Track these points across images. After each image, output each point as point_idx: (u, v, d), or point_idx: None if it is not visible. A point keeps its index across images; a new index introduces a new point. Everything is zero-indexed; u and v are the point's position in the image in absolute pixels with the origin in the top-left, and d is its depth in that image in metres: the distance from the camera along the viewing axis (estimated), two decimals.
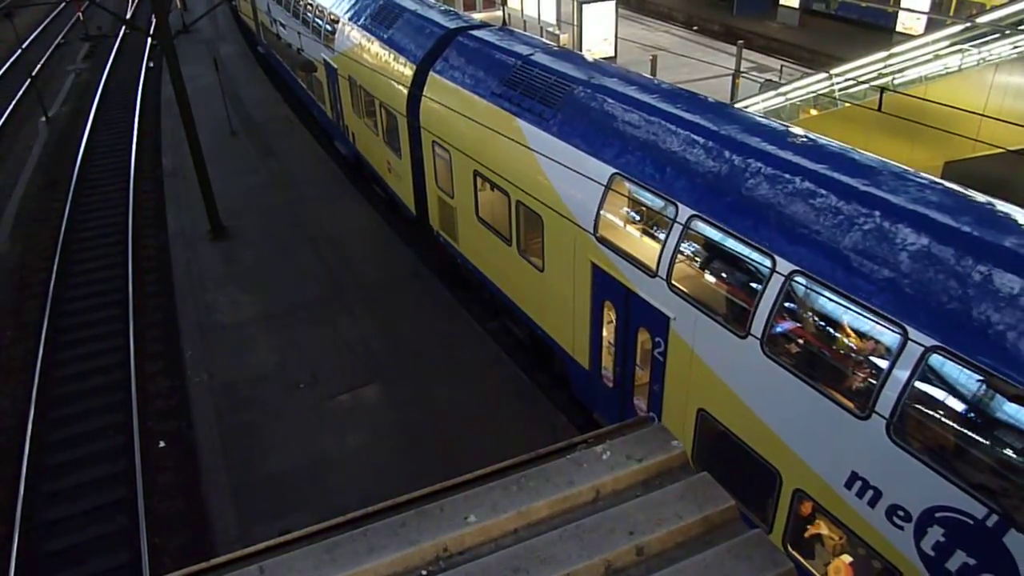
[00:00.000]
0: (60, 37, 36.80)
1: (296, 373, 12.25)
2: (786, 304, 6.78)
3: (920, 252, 5.93)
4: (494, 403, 11.38)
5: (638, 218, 9.10)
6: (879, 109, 9.51)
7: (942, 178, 6.92)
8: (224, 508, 9.88)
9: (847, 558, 6.84)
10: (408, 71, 13.81)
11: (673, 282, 7.94)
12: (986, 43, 15.81)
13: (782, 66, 24.53)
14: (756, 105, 17.27)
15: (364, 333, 13.24)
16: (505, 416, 11.05)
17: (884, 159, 7.30)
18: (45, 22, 40.45)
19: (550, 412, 11.22)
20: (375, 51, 15.50)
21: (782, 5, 34.21)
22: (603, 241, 8.93)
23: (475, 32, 13.34)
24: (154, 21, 15.63)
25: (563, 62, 11.10)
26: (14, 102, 26.68)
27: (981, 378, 5.34)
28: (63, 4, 38.82)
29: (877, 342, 6.17)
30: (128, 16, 39.71)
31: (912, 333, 5.67)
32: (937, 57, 16.42)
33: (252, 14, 30.79)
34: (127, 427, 11.48)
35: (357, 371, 12.24)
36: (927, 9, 27.12)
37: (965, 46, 15.91)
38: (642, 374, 9.05)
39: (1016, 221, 6.00)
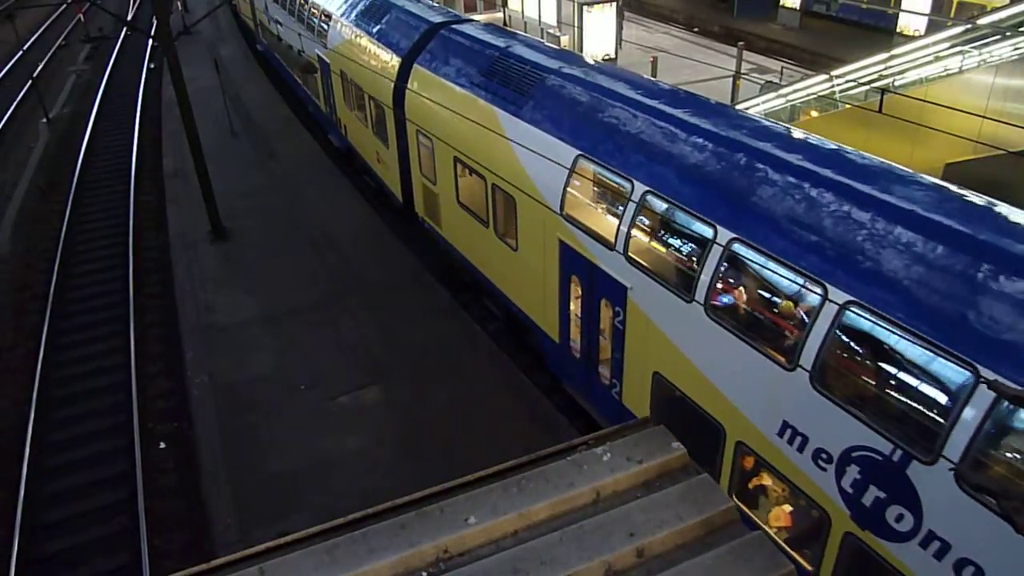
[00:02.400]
0: (61, 39, 36.81)
1: (296, 374, 12.25)
2: (726, 270, 7.41)
3: (839, 217, 6.56)
4: (494, 404, 11.38)
5: (599, 196, 9.68)
6: (879, 110, 9.51)
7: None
8: (224, 509, 9.87)
9: (786, 507, 7.46)
10: (394, 64, 14.35)
11: (630, 254, 8.57)
12: (987, 45, 15.80)
13: (783, 68, 24.55)
14: (757, 107, 17.28)
15: (365, 334, 13.23)
16: (505, 417, 11.04)
17: (820, 138, 7.99)
18: (46, 24, 40.48)
19: (550, 413, 11.21)
20: (364, 46, 16.09)
21: (782, 7, 34.23)
22: (568, 219, 9.54)
23: (457, 26, 13.91)
24: (155, 23, 15.63)
25: (537, 53, 11.79)
26: (15, 103, 26.69)
27: (890, 329, 5.87)
28: (64, 6, 38.86)
29: (802, 300, 6.82)
30: (129, 18, 39.74)
31: (831, 291, 6.28)
32: (938, 59, 16.42)
33: (251, 14, 31.31)
34: (127, 428, 11.47)
35: (357, 372, 12.24)
36: (928, 11, 27.12)
37: (966, 48, 15.91)
38: (605, 344, 9.62)
39: (919, 184, 6.71)
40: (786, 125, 8.32)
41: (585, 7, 26.95)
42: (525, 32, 28.34)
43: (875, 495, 6.03)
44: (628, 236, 8.54)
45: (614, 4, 27.60)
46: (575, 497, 3.47)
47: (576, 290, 9.92)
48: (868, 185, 6.69)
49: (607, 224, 9.10)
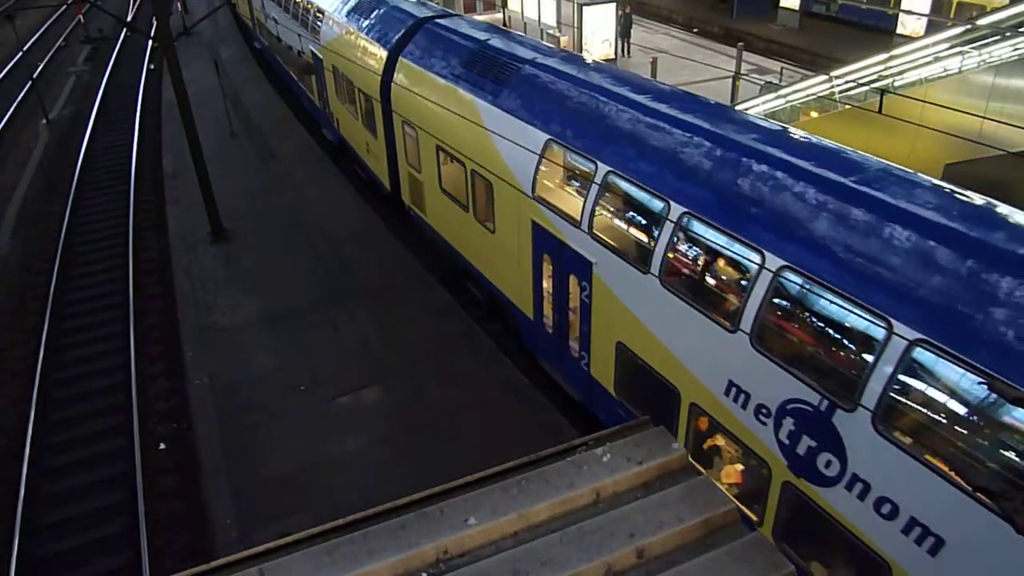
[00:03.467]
0: (61, 40, 36.80)
1: (296, 375, 12.25)
2: (677, 242, 8.00)
3: (775, 190, 7.20)
4: (494, 405, 11.38)
5: (567, 177, 10.18)
6: (879, 111, 9.52)
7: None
8: (224, 510, 9.87)
9: (737, 465, 8.00)
10: (381, 58, 14.93)
11: (594, 231, 9.12)
12: (986, 45, 15.81)
13: (782, 68, 24.52)
14: (756, 107, 17.29)
15: (364, 335, 13.23)
16: (505, 418, 11.04)
17: (764, 119, 8.66)
18: (46, 25, 40.48)
19: (550, 414, 11.21)
20: (355, 41, 16.69)
21: (782, 7, 34.22)
22: (540, 200, 10.13)
23: (441, 20, 14.62)
24: (155, 24, 15.64)
25: (515, 45, 12.45)
26: (15, 104, 26.67)
27: (818, 290, 6.48)
28: (64, 7, 38.85)
29: (743, 267, 7.33)
30: (129, 19, 39.73)
31: (768, 258, 6.85)
32: (937, 59, 16.43)
33: (249, 13, 31.80)
34: (127, 429, 11.47)
35: (357, 373, 12.24)
36: (927, 11, 27.12)
37: (965, 48, 15.91)
38: (574, 318, 10.15)
39: (845, 159, 7.33)
40: (734, 110, 9.06)
41: (585, 7, 26.96)
42: (525, 33, 28.38)
43: (807, 444, 6.62)
44: (592, 214, 9.12)
45: (614, 4, 27.61)
46: (575, 498, 3.47)
47: (548, 268, 10.45)
48: (804, 160, 7.33)
49: (574, 204, 9.62)
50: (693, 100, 9.50)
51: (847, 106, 16.13)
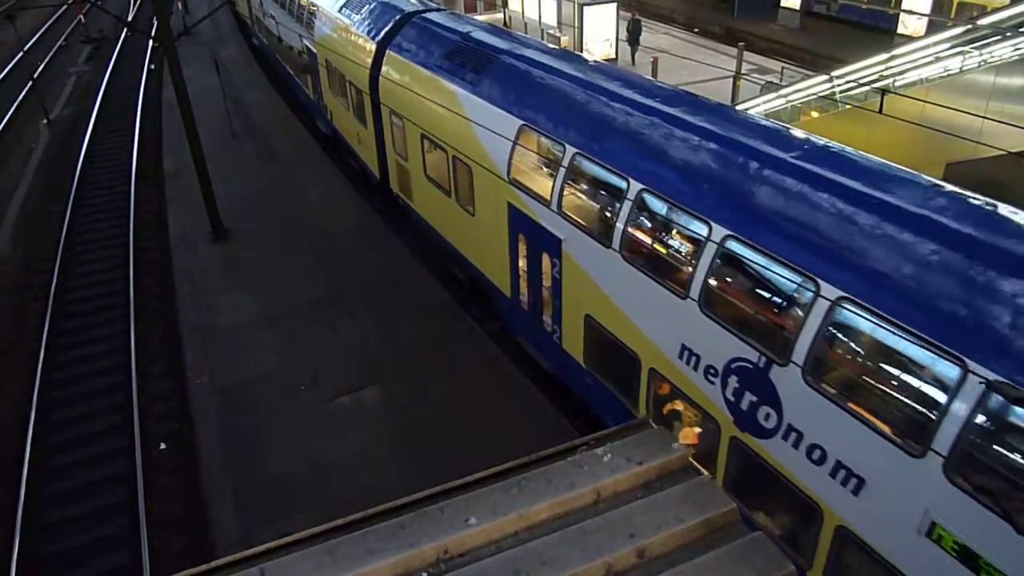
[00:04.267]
0: (62, 40, 36.81)
1: (296, 375, 12.25)
2: (635, 216, 8.54)
3: (721, 163, 7.80)
4: (494, 405, 11.37)
5: (538, 160, 10.66)
6: (880, 111, 9.52)
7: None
8: (225, 510, 9.87)
9: (694, 426, 8.41)
10: (370, 51, 15.45)
11: (563, 210, 9.67)
12: (987, 45, 15.80)
13: (783, 68, 24.52)
14: (757, 107, 17.28)
15: (364, 334, 13.23)
16: (506, 418, 11.04)
17: (718, 103, 9.28)
18: (46, 25, 40.49)
19: (551, 414, 11.20)
20: (346, 35, 17.29)
21: (783, 7, 34.22)
22: (515, 183, 10.64)
23: (427, 14, 15.17)
24: (155, 23, 15.64)
25: (495, 37, 13.01)
26: (16, 104, 26.69)
27: (757, 256, 7.04)
28: (64, 7, 38.86)
29: (693, 238, 7.89)
30: (129, 19, 39.75)
31: (714, 227, 7.44)
32: (938, 59, 16.41)
33: (248, 11, 32.36)
34: (128, 429, 11.47)
35: (357, 373, 12.23)
36: (928, 11, 27.11)
37: (966, 48, 15.90)
38: (547, 294, 10.69)
39: (785, 136, 7.99)
40: (689, 94, 9.83)
41: (585, 7, 26.95)
42: (525, 33, 28.38)
43: (749, 399, 7.20)
44: (561, 194, 9.69)
45: (614, 3, 27.59)
46: (576, 498, 3.47)
47: (523, 248, 10.98)
48: (748, 138, 7.99)
49: (545, 185, 10.14)
50: (652, 86, 10.28)
51: (848, 106, 16.12)
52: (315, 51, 19.80)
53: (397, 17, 15.31)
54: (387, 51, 14.71)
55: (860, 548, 6.35)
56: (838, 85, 16.80)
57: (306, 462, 10.50)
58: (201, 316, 14.04)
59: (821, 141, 7.80)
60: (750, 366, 7.06)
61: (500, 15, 33.99)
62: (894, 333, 5.86)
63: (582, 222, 9.39)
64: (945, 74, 16.09)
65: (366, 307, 14.05)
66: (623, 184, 8.59)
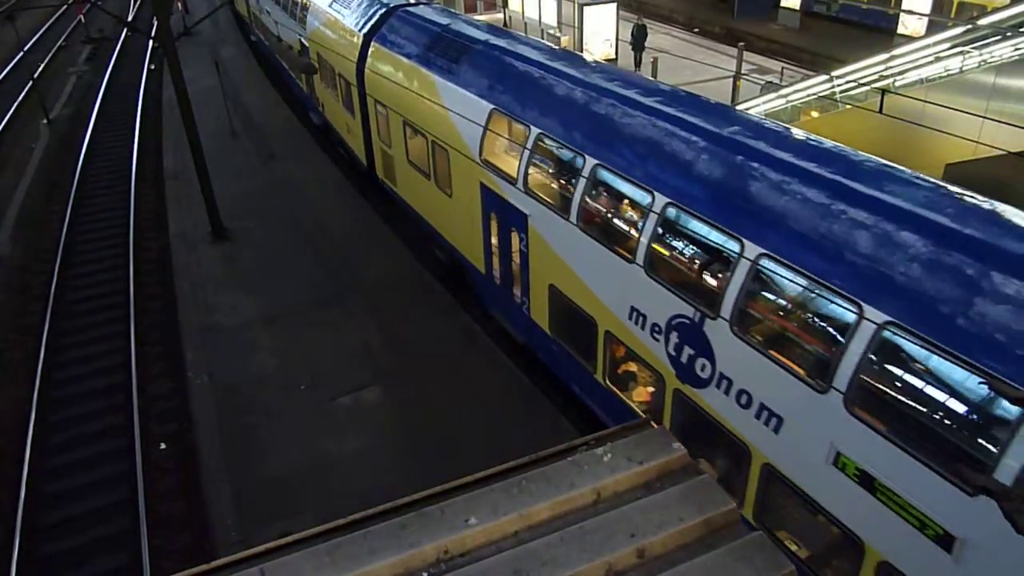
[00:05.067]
0: (62, 40, 36.78)
1: (297, 375, 12.25)
2: (590, 190, 9.23)
3: (664, 139, 8.51)
4: (495, 405, 11.38)
5: (506, 141, 11.30)
6: (880, 111, 9.52)
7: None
8: (225, 510, 9.88)
9: (645, 385, 9.30)
10: (357, 43, 16.19)
11: (528, 187, 10.35)
12: (987, 45, 15.79)
13: (783, 68, 24.52)
14: (757, 107, 17.28)
15: (364, 334, 13.24)
16: (506, 418, 11.04)
17: (665, 85, 10.22)
18: (47, 25, 40.47)
19: (551, 414, 11.21)
20: (335, 29, 18.06)
21: (783, 7, 34.20)
22: (486, 163, 11.30)
23: (411, 8, 15.88)
24: (155, 23, 15.64)
25: (472, 28, 13.72)
26: (16, 104, 26.67)
27: (691, 220, 7.85)
28: (64, 7, 38.85)
29: (638, 207, 8.66)
30: (129, 19, 39.74)
31: (656, 197, 8.19)
32: (938, 59, 16.41)
33: (246, 9, 33.17)
34: (128, 429, 11.47)
35: (358, 373, 12.24)
36: (928, 11, 27.10)
37: (966, 48, 15.89)
38: (516, 267, 11.36)
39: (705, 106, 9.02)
40: (642, 78, 10.89)
41: (585, 7, 26.93)
42: (525, 32, 28.38)
43: (688, 353, 7.93)
44: (527, 172, 10.36)
45: (615, 3, 27.57)
46: (576, 498, 3.47)
47: (494, 225, 11.66)
48: (687, 114, 8.77)
49: (512, 164, 10.78)
50: (609, 69, 11.15)
51: (848, 106, 16.12)
52: (307, 45, 20.58)
53: (382, 11, 15.99)
54: (372, 43, 15.44)
55: (782, 483, 7.05)
56: (838, 85, 16.80)
57: (306, 462, 10.50)
58: (201, 316, 14.04)
59: (756, 117, 8.64)
60: (688, 322, 7.81)
61: (500, 15, 33.96)
62: (805, 284, 6.64)
63: (545, 198, 10.12)
64: (945, 74, 16.08)
65: (366, 307, 14.05)
66: (580, 160, 9.35)
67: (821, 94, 17.11)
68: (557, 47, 13.39)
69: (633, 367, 9.42)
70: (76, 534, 9.92)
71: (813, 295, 6.64)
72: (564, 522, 3.38)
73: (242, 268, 15.69)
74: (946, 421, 5.78)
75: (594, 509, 3.46)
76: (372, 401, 11.67)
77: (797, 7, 33.63)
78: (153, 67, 30.97)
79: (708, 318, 7.48)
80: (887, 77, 16.53)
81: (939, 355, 5.60)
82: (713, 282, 7.65)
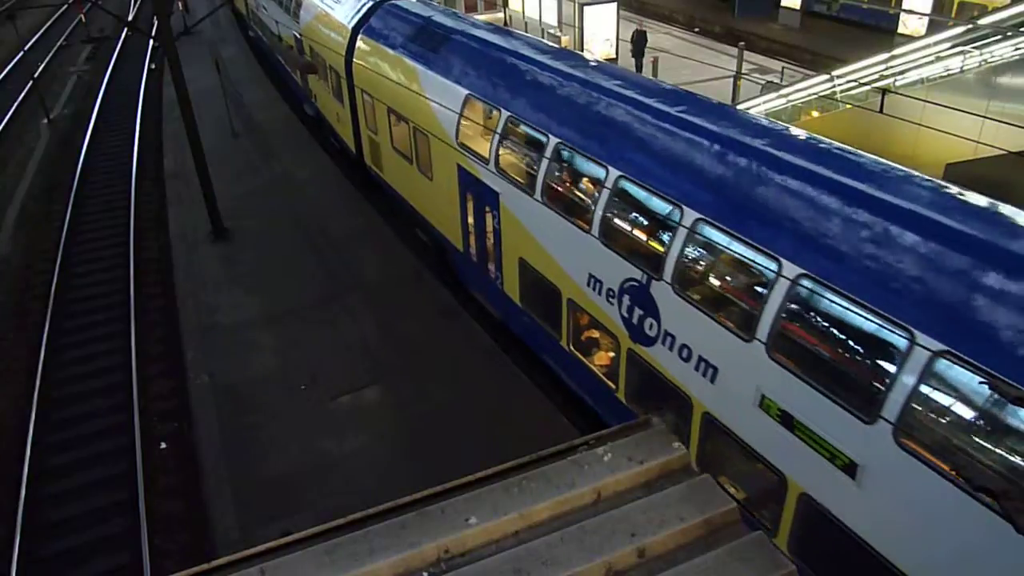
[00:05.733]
0: (62, 39, 36.80)
1: (297, 374, 12.25)
2: (553, 167, 9.91)
3: (614, 113, 9.30)
4: (495, 404, 11.37)
5: (479, 124, 11.89)
6: (880, 111, 9.51)
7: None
8: (225, 509, 9.88)
9: (606, 350, 9.93)
10: (345, 36, 16.84)
11: (500, 167, 11.00)
12: (988, 45, 15.78)
13: (783, 68, 24.51)
14: (758, 107, 17.27)
15: (365, 334, 13.24)
16: (506, 417, 11.04)
17: (613, 67, 11.46)
18: (47, 24, 40.48)
19: (552, 414, 11.21)
20: (325, 23, 18.78)
21: (783, 7, 34.18)
22: (462, 146, 11.94)
23: (396, 1, 16.51)
24: (156, 23, 15.64)
25: (452, 20, 14.45)
26: (16, 104, 26.69)
27: (641, 192, 8.53)
28: (65, 6, 38.86)
29: (594, 181, 9.30)
30: (130, 18, 39.74)
31: (610, 171, 8.89)
32: (939, 59, 16.40)
33: (244, 5, 33.74)
34: (128, 428, 11.47)
35: (358, 372, 12.24)
36: (928, 11, 27.09)
37: (967, 48, 15.88)
38: (490, 244, 11.99)
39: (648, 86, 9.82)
40: (602, 64, 11.52)
41: (586, 7, 26.91)
42: (526, 32, 28.36)
43: (638, 314, 8.59)
44: (498, 153, 11.02)
45: (615, 3, 27.56)
46: (576, 497, 3.46)
47: (470, 205, 12.28)
48: (628, 90, 9.65)
49: (485, 146, 11.42)
50: (574, 57, 12.01)
51: (848, 105, 16.11)
52: (301, 39, 21.27)
53: (369, 4, 16.65)
54: (360, 35, 16.16)
55: (719, 429, 7.74)
56: (838, 85, 16.80)
57: (307, 461, 10.51)
58: (201, 315, 14.04)
59: (699, 96, 9.45)
60: (637, 284, 8.49)
61: (501, 15, 33.95)
62: (735, 245, 7.35)
63: (515, 176, 10.76)
64: (946, 74, 16.07)
65: (367, 306, 14.05)
66: (544, 139, 10.04)
67: (821, 94, 17.11)
68: (520, 33, 14.50)
69: (593, 332, 10.05)
70: (76, 534, 9.92)
71: (741, 254, 7.31)
72: (564, 522, 3.38)
73: (242, 268, 15.70)
74: (848, 361, 6.50)
75: (594, 509, 3.46)
76: (372, 400, 11.67)
77: (797, 7, 33.60)
78: (154, 66, 30.96)
79: (654, 280, 8.18)
80: (887, 77, 16.52)
81: (844, 303, 6.26)
82: (658, 247, 8.34)
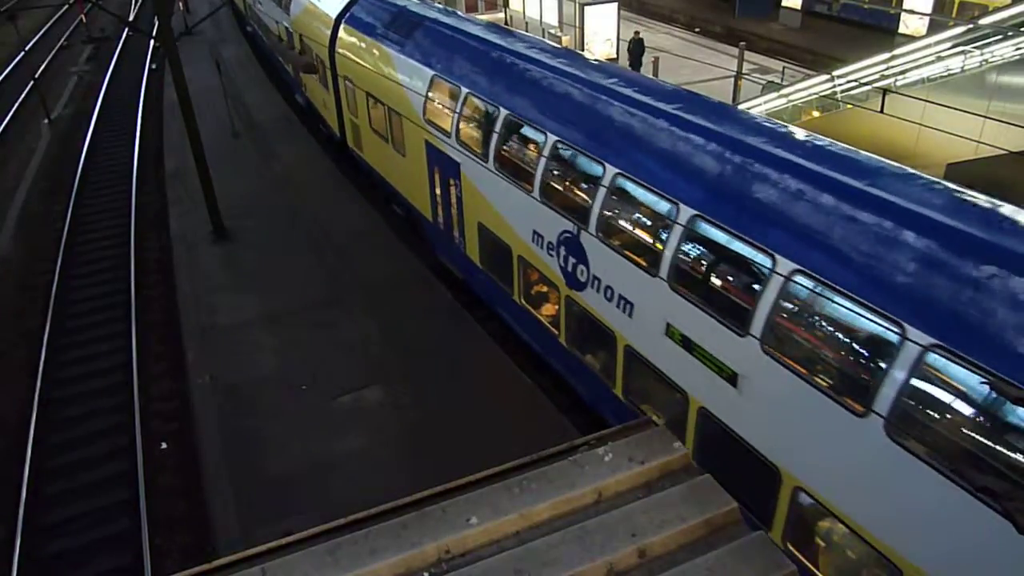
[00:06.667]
0: (63, 39, 36.84)
1: (298, 375, 12.25)
2: (503, 136, 11.00)
3: (552, 83, 10.63)
4: (496, 405, 11.37)
5: (443, 101, 12.77)
6: (881, 111, 9.51)
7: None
8: (226, 510, 9.88)
9: (550, 301, 11.06)
10: (328, 25, 17.91)
11: (460, 139, 12.12)
12: (988, 45, 15.77)
13: (784, 68, 24.51)
14: (759, 107, 17.27)
15: (365, 334, 13.23)
16: (507, 417, 11.03)
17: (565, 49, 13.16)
18: (48, 24, 40.52)
19: (552, 413, 11.20)
20: (312, 13, 19.86)
21: (784, 7, 34.19)
22: (429, 123, 13.06)
23: None
24: (156, 23, 15.65)
25: (426, 9, 15.46)
26: (17, 104, 26.71)
27: (570, 152, 9.77)
28: (66, 7, 38.88)
29: (535, 146, 10.45)
30: (131, 18, 39.77)
31: (548, 136, 9.97)
32: (939, 59, 16.39)
33: (242, 2, 34.69)
34: (129, 429, 11.48)
35: (358, 372, 12.24)
36: (929, 11, 27.08)
37: (968, 48, 15.87)
38: (454, 211, 13.10)
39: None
40: (550, 45, 12.76)
41: (586, 7, 26.92)
42: (526, 32, 28.37)
43: (572, 262, 9.72)
44: (458, 127, 12.12)
45: (615, 3, 27.57)
46: (577, 497, 3.47)
47: (437, 177, 13.42)
48: (575, 70, 10.74)
49: (448, 121, 12.45)
50: (529, 39, 13.15)
51: (849, 105, 16.11)
52: (291, 31, 22.27)
53: None
54: (342, 24, 17.25)
55: (637, 359, 8.85)
56: (839, 85, 16.79)
57: (307, 462, 10.50)
58: (202, 316, 14.04)
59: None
60: (571, 235, 9.57)
61: (501, 15, 33.96)
62: (643, 194, 8.53)
63: (472, 147, 11.84)
64: (947, 74, 16.07)
65: (367, 307, 14.05)
66: (496, 112, 11.15)
67: (822, 94, 17.10)
68: (480, 20, 16.18)
69: (540, 286, 11.18)
70: (77, 534, 9.93)
71: (649, 202, 8.51)
72: (565, 522, 3.38)
73: (243, 268, 15.70)
74: (729, 287, 7.65)
75: (595, 509, 3.46)
76: (373, 400, 11.67)
77: (798, 7, 33.61)
78: (154, 67, 30.97)
79: (583, 231, 9.30)
80: (888, 77, 16.52)
81: (728, 235, 7.41)
82: (586, 200, 9.44)
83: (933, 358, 5.61)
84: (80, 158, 21.84)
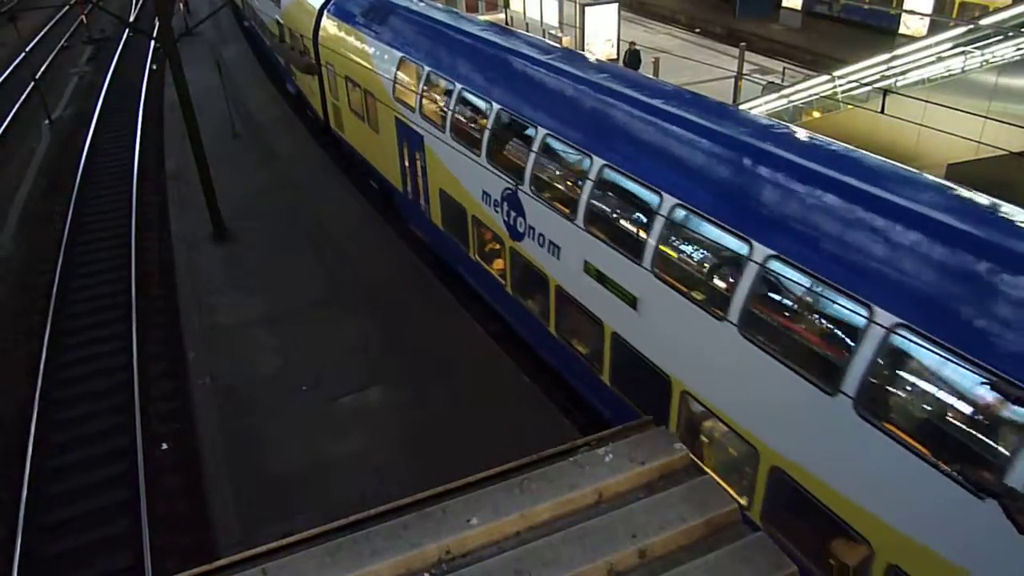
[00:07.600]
0: (63, 40, 36.83)
1: (298, 375, 12.25)
2: (457, 108, 12.24)
3: (500, 54, 12.19)
4: (496, 405, 11.36)
5: (409, 80, 14.00)
6: (882, 111, 9.51)
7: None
8: (227, 510, 9.88)
9: (498, 256, 12.17)
10: (312, 16, 19.13)
11: (423, 113, 13.38)
12: (989, 45, 15.77)
13: (784, 68, 24.49)
14: (759, 107, 17.26)
15: (366, 334, 13.23)
16: (507, 418, 11.03)
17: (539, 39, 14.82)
18: (48, 25, 40.51)
19: (553, 414, 11.20)
20: (299, 6, 21.04)
21: (784, 7, 34.17)
22: (398, 100, 14.33)
23: None
24: (157, 24, 15.66)
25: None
26: (17, 105, 26.71)
27: (510, 119, 10.99)
28: (66, 7, 38.89)
29: (481, 113, 11.70)
30: (131, 19, 39.78)
31: (492, 105, 11.33)
32: (940, 59, 16.39)
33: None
34: (130, 429, 11.48)
35: (359, 373, 12.24)
36: (930, 11, 27.07)
37: (968, 48, 15.87)
38: (420, 181, 14.36)
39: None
40: (504, 28, 14.79)
41: (587, 7, 26.91)
42: (527, 32, 28.36)
43: (512, 215, 10.92)
44: (421, 102, 13.41)
45: (616, 4, 27.56)
46: (577, 498, 3.47)
47: (405, 150, 14.67)
48: (522, 48, 12.17)
49: (412, 97, 13.73)
50: (484, 24, 14.63)
51: (849, 106, 16.10)
52: (282, 23, 23.40)
53: None
54: (324, 13, 18.42)
55: (563, 296, 10.16)
56: (840, 85, 16.79)
57: (308, 462, 10.50)
58: (203, 316, 14.04)
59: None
60: (511, 191, 10.77)
61: (501, 15, 33.93)
62: (565, 149, 9.86)
63: (432, 120, 13.09)
64: (947, 74, 16.06)
65: (368, 307, 14.05)
66: (451, 86, 12.42)
67: (823, 94, 17.10)
68: (446, 8, 17.65)
69: (490, 242, 12.34)
70: (78, 534, 9.93)
71: (570, 156, 9.74)
72: (566, 522, 3.38)
73: (244, 268, 15.70)
74: (630, 222, 8.81)
75: (596, 509, 3.46)
76: (374, 401, 11.67)
77: (799, 7, 33.59)
78: (155, 67, 30.97)
79: (519, 187, 10.49)
80: (889, 77, 16.51)
81: (627, 180, 8.64)
82: (522, 161, 10.53)
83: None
84: (81, 158, 21.84)
